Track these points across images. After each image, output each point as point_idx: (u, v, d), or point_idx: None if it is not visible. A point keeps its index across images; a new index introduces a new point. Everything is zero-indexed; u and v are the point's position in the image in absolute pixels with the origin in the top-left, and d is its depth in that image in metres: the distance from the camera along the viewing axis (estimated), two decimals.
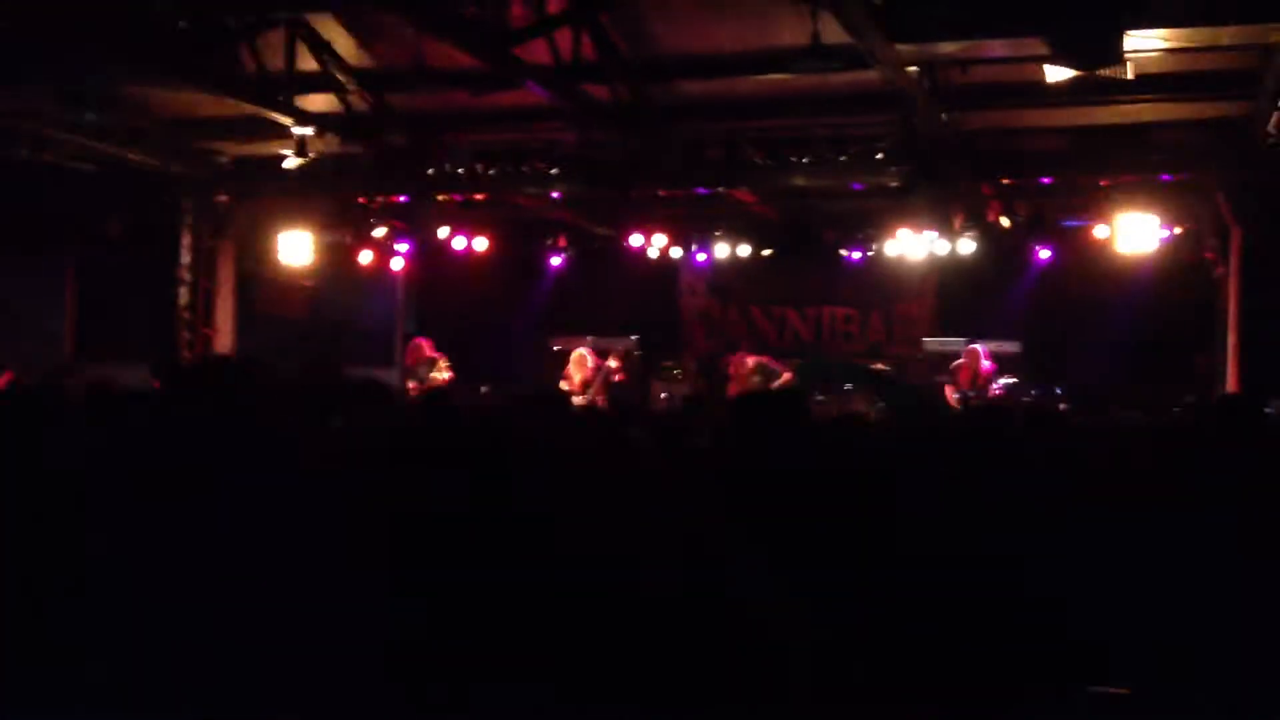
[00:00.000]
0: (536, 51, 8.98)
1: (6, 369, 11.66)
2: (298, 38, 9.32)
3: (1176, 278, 12.90)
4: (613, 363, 12.26)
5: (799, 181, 11.22)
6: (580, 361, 12.50)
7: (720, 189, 12.14)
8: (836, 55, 8.58)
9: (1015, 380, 12.25)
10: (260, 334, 14.46)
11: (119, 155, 11.56)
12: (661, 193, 12.63)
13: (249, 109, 10.06)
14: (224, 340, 14.07)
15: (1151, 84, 9.06)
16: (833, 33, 8.30)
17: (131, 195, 12.81)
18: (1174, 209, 12.08)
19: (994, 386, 11.88)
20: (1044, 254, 13.36)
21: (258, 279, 14.37)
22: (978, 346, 12.23)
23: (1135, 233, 11.89)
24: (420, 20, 8.42)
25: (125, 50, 8.06)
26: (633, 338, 14.62)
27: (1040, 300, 13.86)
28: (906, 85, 9.05)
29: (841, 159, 10.83)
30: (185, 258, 13.46)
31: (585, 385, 12.19)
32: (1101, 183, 11.60)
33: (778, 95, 10.04)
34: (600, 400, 11.86)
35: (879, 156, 10.72)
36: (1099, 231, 12.29)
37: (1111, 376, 12.74)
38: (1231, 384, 11.13)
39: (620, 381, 12.30)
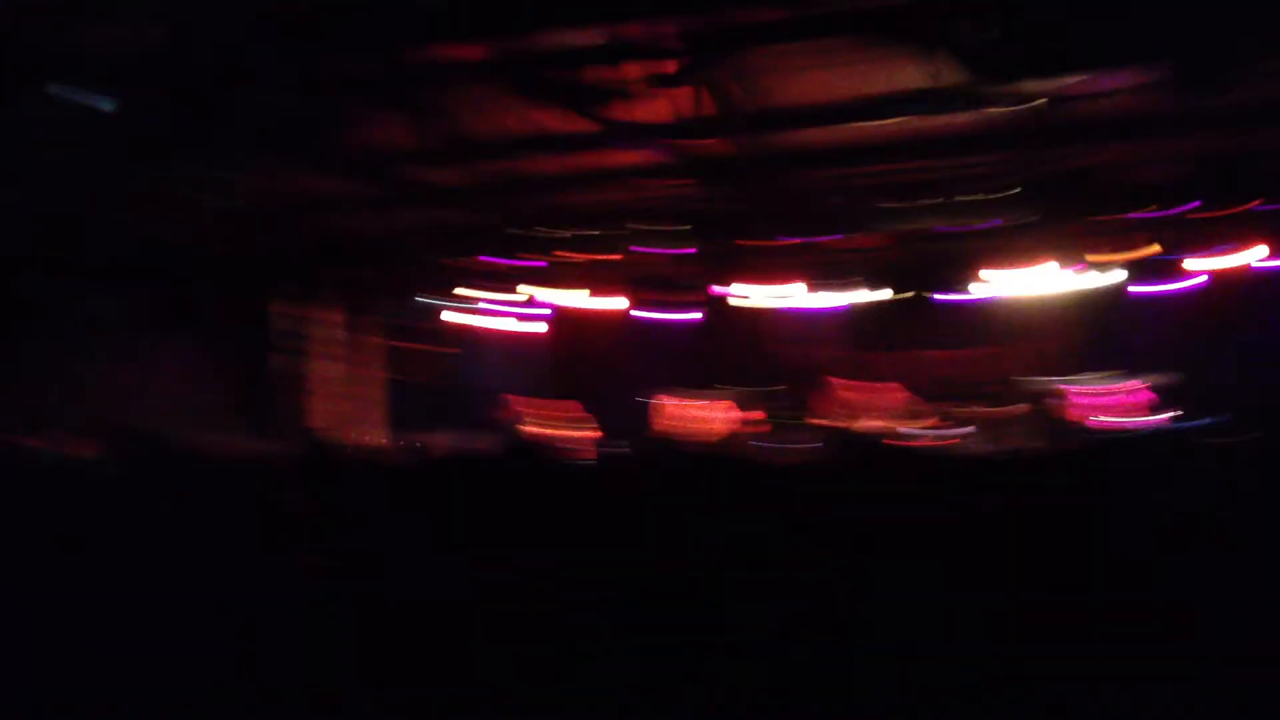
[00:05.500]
0: (651, 109, 9.09)
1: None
2: (419, 115, 9.58)
3: None
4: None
5: (923, 224, 11.10)
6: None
7: (842, 235, 12.07)
8: (954, 96, 8.53)
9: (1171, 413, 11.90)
10: (407, 402, 14.80)
11: (249, 236, 11.97)
12: (783, 242, 12.62)
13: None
14: (376, 410, 14.49)
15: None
16: (950, 72, 8.27)
17: (268, 275, 13.26)
18: None
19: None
20: (1188, 282, 12.94)
21: (401, 348, 14.74)
22: (1078, 385, 11.95)
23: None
24: (536, 90, 8.62)
25: (242, 137, 8.38)
26: (779, 387, 14.58)
27: (1186, 329, 13.42)
28: (1028, 121, 8.95)
29: (965, 199, 10.70)
30: (330, 332, 13.89)
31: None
32: (1236, 209, 11.22)
33: (896, 138, 9.97)
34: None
35: (1003, 195, 10.56)
36: (1239, 258, 11.90)
37: (1269, 402, 12.26)
38: None
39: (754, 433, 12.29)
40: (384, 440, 14.12)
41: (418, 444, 13.80)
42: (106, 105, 7.76)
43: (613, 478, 5.34)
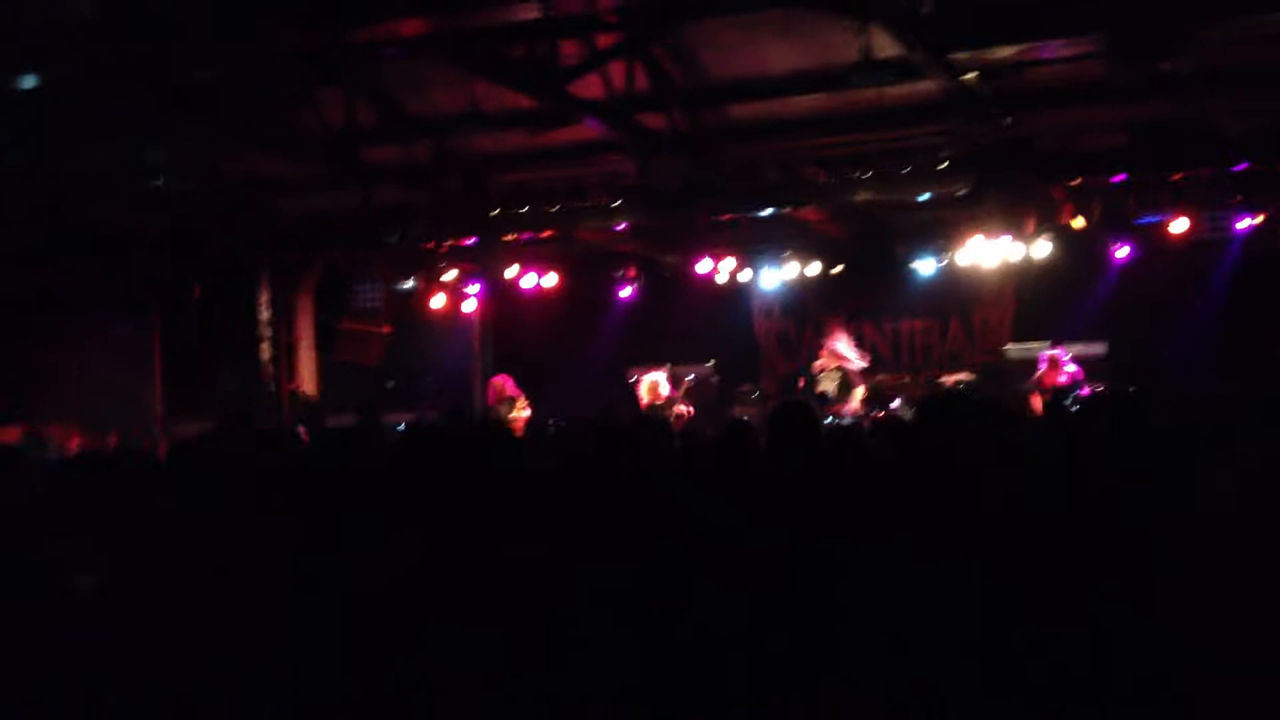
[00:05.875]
0: (590, 86, 9.02)
1: (110, 433, 11.98)
2: (357, 92, 9.46)
3: (1259, 265, 12.60)
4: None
5: (863, 197, 11.08)
6: (652, 388, 12.57)
7: (784, 209, 12.04)
8: (890, 68, 8.52)
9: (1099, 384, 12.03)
10: (340, 383, 14.67)
11: (192, 218, 11.82)
12: (726, 217, 12.58)
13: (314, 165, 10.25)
14: (307, 392, 14.34)
15: (1217, 78, 8.82)
16: (885, 45, 8.27)
17: (209, 257, 13.07)
18: (1252, 197, 11.79)
19: (1080, 391, 11.65)
20: (1121, 252, 13.06)
21: (335, 330, 14.60)
22: (1055, 352, 12.05)
23: (1213, 224, 11.65)
24: (476, 66, 8.52)
25: (189, 113, 8.23)
26: (710, 364, 14.62)
27: (1121, 299, 13.56)
28: (963, 92, 8.96)
29: (905, 172, 10.67)
30: (264, 314, 13.72)
31: (653, 407, 12.23)
32: (1174, 176, 11.30)
33: (834, 112, 9.96)
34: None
35: (943, 166, 10.55)
36: (1176, 226, 12.01)
37: (1198, 371, 12.42)
38: None
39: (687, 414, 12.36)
40: (320, 422, 14.00)
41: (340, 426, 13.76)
42: (29, 82, 7.58)
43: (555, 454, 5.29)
